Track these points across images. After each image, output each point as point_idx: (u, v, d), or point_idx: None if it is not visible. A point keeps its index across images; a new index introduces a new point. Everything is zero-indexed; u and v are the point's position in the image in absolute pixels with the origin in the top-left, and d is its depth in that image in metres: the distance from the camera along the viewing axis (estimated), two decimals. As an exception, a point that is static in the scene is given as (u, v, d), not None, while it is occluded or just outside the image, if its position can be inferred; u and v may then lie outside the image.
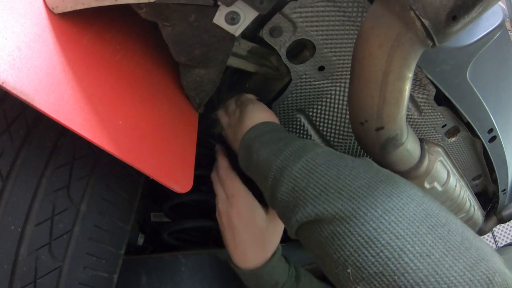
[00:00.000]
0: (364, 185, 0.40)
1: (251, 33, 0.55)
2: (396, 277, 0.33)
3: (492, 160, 0.86)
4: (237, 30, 0.45)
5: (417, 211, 0.37)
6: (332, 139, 0.78)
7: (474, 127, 0.74)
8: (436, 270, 0.32)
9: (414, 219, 0.36)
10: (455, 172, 0.81)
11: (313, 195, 0.42)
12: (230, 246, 0.61)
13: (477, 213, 1.01)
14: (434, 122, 0.75)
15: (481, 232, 1.19)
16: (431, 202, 0.38)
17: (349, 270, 0.37)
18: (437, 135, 0.78)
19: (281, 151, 0.49)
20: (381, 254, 0.35)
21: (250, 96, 0.67)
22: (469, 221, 1.00)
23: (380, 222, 0.36)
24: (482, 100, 0.70)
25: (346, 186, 0.40)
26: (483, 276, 0.32)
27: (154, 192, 0.85)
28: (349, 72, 0.48)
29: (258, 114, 0.59)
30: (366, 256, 0.35)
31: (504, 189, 1.02)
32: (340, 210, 0.39)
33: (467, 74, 0.65)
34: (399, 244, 0.34)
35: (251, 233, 0.59)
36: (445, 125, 0.76)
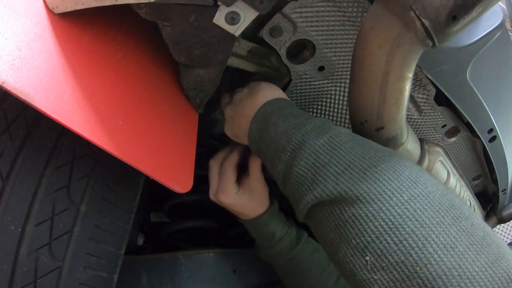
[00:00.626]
0: (389, 168, 0.38)
1: (251, 33, 0.55)
2: (418, 268, 0.31)
3: (492, 160, 0.86)
4: (237, 30, 0.45)
5: (442, 200, 0.35)
6: (332, 139, 0.77)
7: (474, 127, 0.74)
8: (460, 264, 0.31)
9: (440, 208, 0.34)
10: (455, 172, 0.81)
11: (336, 172, 0.39)
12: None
13: (477, 213, 1.01)
14: (434, 122, 0.75)
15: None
16: (453, 194, 0.37)
17: (367, 258, 0.34)
18: (437, 135, 0.78)
19: (302, 125, 0.46)
20: (404, 242, 0.33)
21: None
22: (469, 221, 1.00)
23: (406, 208, 0.34)
24: (482, 100, 0.70)
25: (371, 167, 0.38)
26: (504, 274, 0.31)
27: (154, 192, 0.85)
28: (349, 72, 0.48)
29: (273, 91, 0.57)
30: (389, 243, 0.33)
31: (504, 189, 1.02)
32: (364, 191, 0.36)
33: (467, 74, 0.65)
34: (423, 233, 0.32)
35: (239, 206, 0.67)
36: (445, 125, 0.76)
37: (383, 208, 0.35)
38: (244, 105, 0.57)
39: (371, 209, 0.35)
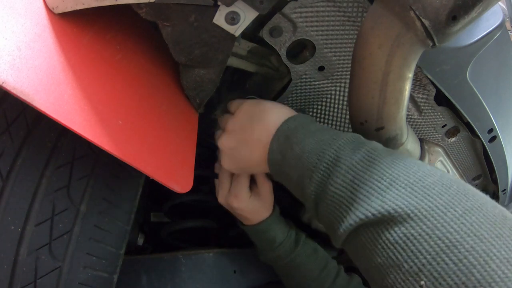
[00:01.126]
0: (437, 182, 0.35)
1: (251, 33, 0.55)
2: None
3: (492, 160, 0.86)
4: (237, 30, 0.45)
5: (495, 212, 0.33)
6: (332, 139, 0.77)
7: (474, 127, 0.74)
8: None
9: (495, 220, 0.32)
10: (455, 172, 0.81)
11: (380, 188, 0.36)
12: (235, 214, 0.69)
13: None
14: (434, 122, 0.75)
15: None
16: (501, 206, 0.35)
17: (422, 282, 0.31)
18: (437, 135, 0.78)
19: (334, 140, 0.43)
20: (464, 260, 0.29)
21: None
22: (469, 221, 1.00)
23: (462, 223, 0.31)
24: (482, 100, 0.70)
25: (418, 182, 0.35)
26: None
27: (154, 192, 0.85)
28: (349, 72, 0.48)
29: (283, 108, 0.52)
30: (447, 263, 0.30)
31: (504, 189, 1.02)
32: (415, 208, 0.33)
33: (467, 74, 0.65)
34: (484, 248, 0.29)
35: (248, 212, 0.67)
36: (445, 125, 0.76)
37: (438, 224, 0.32)
38: (252, 130, 0.51)
39: (424, 227, 0.32)
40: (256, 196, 0.66)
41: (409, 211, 0.33)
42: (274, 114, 0.51)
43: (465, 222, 0.31)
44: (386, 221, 0.34)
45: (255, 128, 0.51)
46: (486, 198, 0.35)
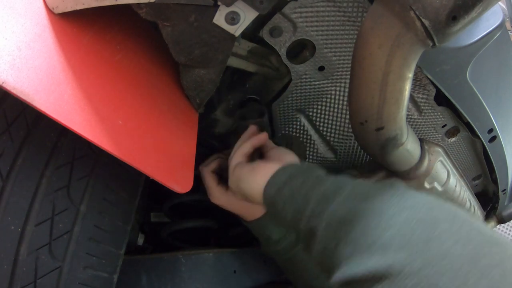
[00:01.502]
0: (396, 235, 0.34)
1: (251, 33, 0.55)
2: None
3: (492, 160, 0.86)
4: (237, 30, 0.45)
5: (462, 257, 0.31)
6: (332, 139, 0.77)
7: (474, 127, 0.74)
8: None
9: (460, 271, 0.30)
10: (455, 172, 0.81)
11: (345, 257, 0.38)
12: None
13: (477, 213, 1.01)
14: (434, 122, 0.75)
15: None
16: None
17: None
18: (437, 135, 0.78)
19: (303, 212, 0.46)
20: None
21: (237, 159, 0.60)
22: (469, 221, 1.00)
23: (420, 278, 0.30)
24: (482, 100, 0.70)
25: (377, 240, 0.35)
26: None
27: (154, 192, 0.85)
28: (349, 72, 0.48)
29: (260, 174, 0.54)
30: None
31: (504, 189, 1.02)
32: (372, 270, 0.34)
33: (467, 74, 0.65)
34: None
35: (230, 207, 0.67)
36: (445, 125, 0.76)
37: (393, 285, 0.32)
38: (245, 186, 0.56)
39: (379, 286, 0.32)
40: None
41: (368, 274, 0.34)
42: (247, 185, 0.55)
43: (423, 276, 0.30)
44: (361, 282, 0.35)
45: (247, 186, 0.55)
46: (455, 236, 0.33)
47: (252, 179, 0.54)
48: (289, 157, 0.58)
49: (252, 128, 0.66)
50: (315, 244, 0.43)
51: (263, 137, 0.62)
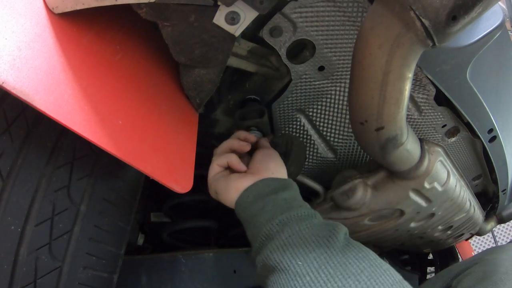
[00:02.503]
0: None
1: (251, 33, 0.55)
2: None
3: (492, 160, 0.86)
4: (237, 30, 0.45)
5: None
6: (332, 139, 0.78)
7: (474, 127, 0.74)
8: None
9: None
10: (455, 172, 0.81)
11: None
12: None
13: (477, 213, 1.01)
14: (434, 122, 0.75)
15: (481, 232, 1.19)
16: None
17: None
18: (437, 135, 0.78)
19: (255, 240, 0.51)
20: None
21: (214, 170, 0.61)
22: (469, 221, 1.01)
23: None
24: (482, 100, 0.70)
25: None
26: None
27: (154, 192, 0.85)
28: (349, 72, 0.48)
29: (231, 191, 0.56)
30: None
31: (504, 189, 1.02)
32: None
33: (467, 74, 0.65)
34: None
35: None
36: (445, 125, 0.76)
37: None
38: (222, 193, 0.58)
39: None
40: None
41: None
42: (226, 195, 0.57)
43: None
44: None
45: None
46: None
47: (226, 195, 0.56)
48: (268, 169, 0.57)
49: (239, 134, 0.64)
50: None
51: (241, 147, 0.62)
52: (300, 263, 0.42)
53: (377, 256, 0.44)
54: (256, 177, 0.55)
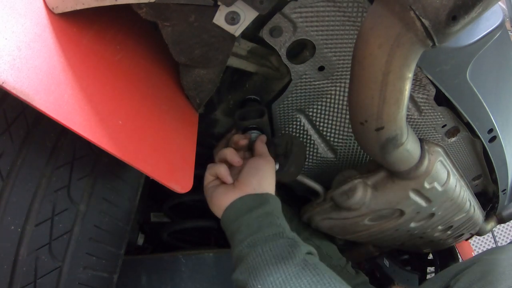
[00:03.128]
0: None
1: (251, 33, 0.55)
2: None
3: (492, 160, 0.86)
4: (237, 30, 0.45)
5: None
6: (332, 139, 0.78)
7: (474, 127, 0.74)
8: None
9: None
10: (455, 172, 0.81)
11: None
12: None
13: (477, 213, 1.01)
14: (434, 122, 0.75)
15: (481, 232, 1.19)
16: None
17: None
18: (437, 135, 0.78)
19: (232, 255, 0.55)
20: None
21: (206, 180, 0.63)
22: (469, 221, 1.01)
23: None
24: (482, 100, 0.70)
25: None
26: None
27: (154, 192, 0.85)
28: (349, 72, 0.48)
29: (215, 206, 0.59)
30: None
31: (504, 189, 1.02)
32: None
33: (467, 74, 0.65)
34: None
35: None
36: (445, 125, 0.76)
37: None
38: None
39: None
40: None
41: None
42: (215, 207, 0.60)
43: None
44: None
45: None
46: None
47: (213, 208, 0.60)
48: (250, 184, 0.58)
49: (233, 138, 0.66)
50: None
51: (231, 159, 0.63)
52: (259, 286, 0.46)
53: (333, 278, 0.48)
54: (238, 193, 0.57)
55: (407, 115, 0.61)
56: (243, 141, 0.65)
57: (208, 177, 0.62)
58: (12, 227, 0.42)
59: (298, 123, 0.74)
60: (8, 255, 0.41)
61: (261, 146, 0.64)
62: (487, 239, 3.05)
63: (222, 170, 0.61)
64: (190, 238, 0.94)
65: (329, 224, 0.84)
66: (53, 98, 0.39)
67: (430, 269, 1.63)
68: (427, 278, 1.55)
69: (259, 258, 0.50)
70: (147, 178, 0.48)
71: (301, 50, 0.61)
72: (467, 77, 0.65)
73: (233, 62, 0.61)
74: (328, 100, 0.70)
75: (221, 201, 0.58)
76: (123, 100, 0.47)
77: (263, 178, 0.59)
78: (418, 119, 0.74)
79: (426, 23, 0.36)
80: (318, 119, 0.74)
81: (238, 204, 0.56)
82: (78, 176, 0.47)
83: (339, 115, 0.73)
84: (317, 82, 0.66)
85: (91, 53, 0.47)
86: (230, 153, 0.63)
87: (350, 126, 0.64)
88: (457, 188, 0.80)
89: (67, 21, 0.46)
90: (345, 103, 0.70)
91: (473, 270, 0.72)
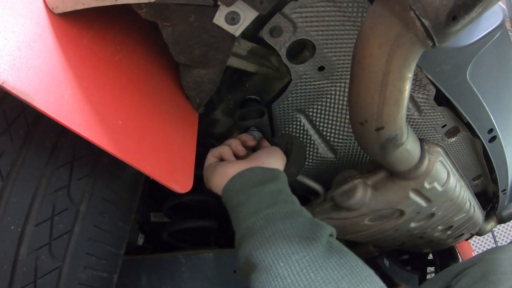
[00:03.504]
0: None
1: (251, 33, 0.55)
2: None
3: (492, 160, 0.86)
4: (237, 30, 0.45)
5: None
6: (332, 139, 0.77)
7: (474, 127, 0.74)
8: None
9: None
10: (455, 172, 0.81)
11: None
12: None
13: (477, 213, 1.01)
14: (434, 122, 0.75)
15: (481, 232, 1.19)
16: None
17: None
18: (437, 135, 0.78)
19: (237, 231, 0.51)
20: None
21: (208, 160, 0.61)
22: (469, 221, 1.01)
23: None
24: (482, 100, 0.70)
25: None
26: None
27: (154, 192, 0.85)
28: (349, 72, 0.48)
29: (217, 178, 0.56)
30: None
31: (504, 189, 1.02)
32: None
33: (467, 74, 0.65)
34: None
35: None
36: (445, 125, 0.76)
37: None
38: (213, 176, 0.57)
39: None
40: None
41: None
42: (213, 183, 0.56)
43: None
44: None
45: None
46: None
47: (214, 180, 0.55)
48: (259, 159, 0.56)
49: (240, 136, 0.65)
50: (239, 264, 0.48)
51: (236, 148, 0.61)
52: (282, 264, 0.42)
53: (359, 261, 0.44)
54: (244, 165, 0.54)
55: (407, 115, 0.61)
56: (252, 141, 0.63)
57: (210, 158, 0.60)
58: (12, 227, 0.42)
59: (298, 123, 0.74)
60: (8, 255, 0.41)
61: (266, 143, 0.65)
62: (487, 239, 3.05)
63: (226, 149, 0.58)
64: (190, 238, 0.94)
65: (329, 224, 0.84)
66: (53, 98, 0.39)
67: (430, 269, 1.63)
68: (427, 278, 1.56)
69: (280, 235, 0.45)
70: (147, 178, 0.48)
71: (301, 50, 0.61)
72: (467, 77, 0.65)
73: (233, 62, 0.61)
74: (328, 100, 0.70)
75: (226, 170, 0.54)
76: (123, 100, 0.47)
77: (273, 158, 0.58)
78: (418, 119, 0.74)
79: (426, 23, 0.36)
80: (318, 119, 0.74)
81: (247, 174, 0.52)
82: (78, 176, 0.47)
83: (339, 115, 0.73)
84: (317, 82, 0.66)
85: (91, 53, 0.47)
86: (235, 142, 0.61)
87: (350, 126, 0.64)
88: (457, 188, 0.80)
89: (67, 21, 0.46)
90: (345, 103, 0.70)
91: (474, 270, 0.72)
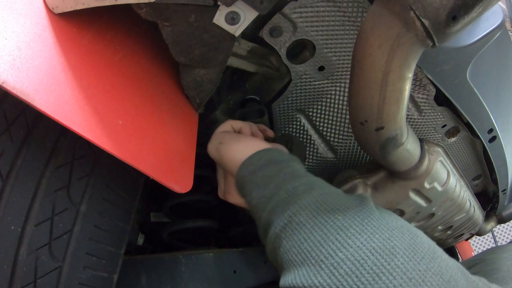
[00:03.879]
0: (348, 258, 0.35)
1: (251, 33, 0.56)
2: None
3: (492, 160, 0.86)
4: (237, 30, 0.45)
5: None
6: (332, 139, 0.78)
7: (474, 127, 0.74)
8: None
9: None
10: (455, 172, 0.81)
11: (294, 263, 0.39)
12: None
13: (477, 213, 1.01)
14: (434, 122, 0.75)
15: (481, 232, 1.19)
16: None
17: None
18: (437, 135, 0.78)
19: (269, 200, 0.45)
20: None
21: (225, 127, 0.58)
22: (469, 221, 1.01)
23: None
24: (482, 100, 0.70)
25: (328, 258, 0.36)
26: None
27: (154, 192, 0.85)
28: (349, 72, 0.48)
29: (242, 146, 0.52)
30: None
31: (504, 189, 1.02)
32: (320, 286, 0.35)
33: (467, 74, 0.65)
34: None
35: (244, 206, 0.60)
36: (445, 125, 0.76)
37: None
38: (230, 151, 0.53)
39: None
40: None
41: None
42: (231, 155, 0.52)
43: None
44: None
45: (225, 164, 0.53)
46: (408, 273, 0.33)
47: (234, 146, 0.51)
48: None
49: (262, 126, 0.64)
50: (270, 237, 0.44)
51: (256, 131, 0.61)
52: (340, 217, 0.39)
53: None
54: (269, 145, 0.52)
55: (407, 115, 0.61)
56: (271, 133, 0.62)
57: (228, 126, 0.57)
58: (12, 227, 0.42)
59: (298, 123, 0.74)
60: (8, 255, 0.41)
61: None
62: (487, 239, 3.05)
63: (248, 128, 0.55)
64: (190, 238, 0.94)
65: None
66: (53, 98, 0.39)
67: (430, 269, 1.63)
68: (427, 278, 1.55)
69: (328, 196, 0.42)
70: (147, 178, 0.48)
71: (301, 50, 0.61)
72: (467, 77, 0.65)
73: (233, 62, 0.61)
74: (328, 100, 0.70)
75: (252, 143, 0.50)
76: (123, 100, 0.47)
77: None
78: (418, 119, 0.74)
79: (426, 23, 0.36)
80: (318, 119, 0.74)
81: (274, 152, 0.49)
82: (78, 176, 0.47)
83: (339, 115, 0.73)
84: (317, 82, 0.66)
85: (91, 53, 0.47)
86: (255, 126, 0.59)
87: (350, 126, 0.64)
88: (457, 188, 0.80)
89: (67, 21, 0.46)
90: (345, 103, 0.70)
91: (477, 271, 0.72)
